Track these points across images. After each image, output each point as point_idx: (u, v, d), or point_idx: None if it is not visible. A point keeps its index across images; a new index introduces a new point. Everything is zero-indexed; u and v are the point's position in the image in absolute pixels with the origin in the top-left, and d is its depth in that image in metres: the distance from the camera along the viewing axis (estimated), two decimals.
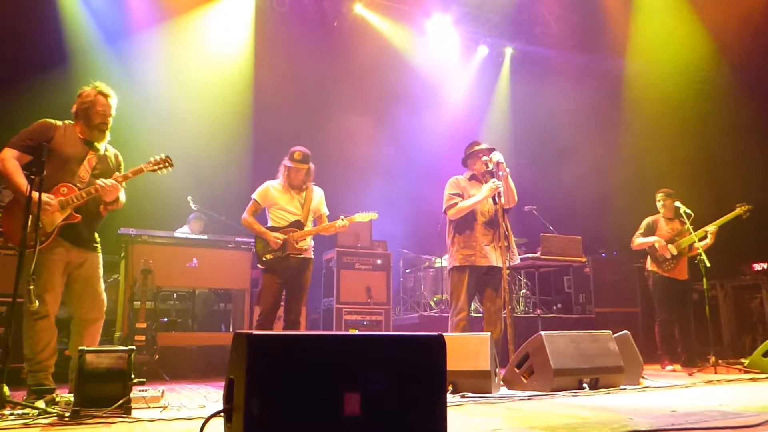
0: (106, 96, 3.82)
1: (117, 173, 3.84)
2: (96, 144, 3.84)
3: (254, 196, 5.00)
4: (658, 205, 6.72)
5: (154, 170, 3.90)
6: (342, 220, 4.93)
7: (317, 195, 5.11)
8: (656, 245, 6.48)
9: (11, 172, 3.55)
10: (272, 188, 5.00)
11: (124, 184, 3.83)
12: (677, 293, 6.52)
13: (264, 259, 4.85)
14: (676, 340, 6.49)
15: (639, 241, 6.63)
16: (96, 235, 3.92)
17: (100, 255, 3.91)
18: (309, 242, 5.00)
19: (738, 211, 6.41)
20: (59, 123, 3.79)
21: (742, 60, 8.45)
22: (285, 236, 4.82)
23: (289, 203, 4.96)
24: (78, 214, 3.69)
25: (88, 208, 3.75)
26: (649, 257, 6.67)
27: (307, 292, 5.03)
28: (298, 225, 4.91)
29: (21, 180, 3.53)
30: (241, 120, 8.36)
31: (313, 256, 5.05)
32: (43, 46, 7.17)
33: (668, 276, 6.48)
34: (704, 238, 6.33)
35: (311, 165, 5.02)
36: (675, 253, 6.43)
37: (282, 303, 5.08)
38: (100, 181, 3.69)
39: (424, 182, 8.71)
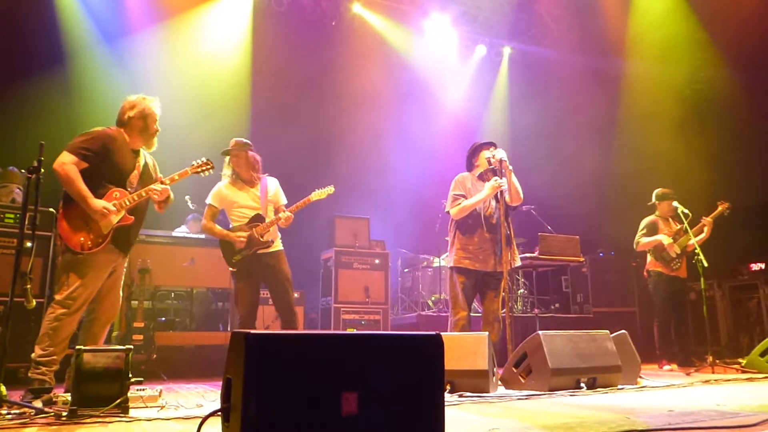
0: (157, 108, 4.01)
1: (161, 176, 4.02)
2: (142, 151, 4.00)
3: (208, 200, 4.79)
4: (657, 206, 6.68)
5: (198, 173, 4.15)
6: (284, 212, 4.72)
7: (272, 185, 4.93)
8: (664, 243, 6.46)
9: (73, 178, 3.61)
10: (224, 188, 4.81)
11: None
12: (677, 292, 6.55)
13: (234, 261, 4.66)
14: (674, 340, 6.51)
15: (645, 240, 6.55)
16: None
17: (127, 258, 4.04)
18: (276, 234, 4.82)
19: (720, 209, 6.51)
20: (113, 132, 3.86)
21: (740, 60, 8.46)
22: (248, 233, 4.64)
23: (246, 199, 4.78)
24: (131, 215, 3.82)
25: (138, 210, 3.88)
26: (651, 257, 6.63)
27: (292, 283, 4.78)
28: (259, 219, 4.72)
29: (83, 187, 3.62)
30: (238, 119, 8.34)
31: (282, 248, 4.85)
32: (40, 45, 7.15)
33: (674, 275, 6.49)
34: (701, 232, 6.38)
35: (251, 153, 4.85)
36: (678, 251, 6.44)
37: (270, 303, 4.97)
38: (155, 186, 3.87)
39: (422, 182, 8.73)
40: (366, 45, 9.44)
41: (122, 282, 3.97)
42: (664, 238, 6.47)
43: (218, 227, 4.74)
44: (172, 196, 4.04)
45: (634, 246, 6.67)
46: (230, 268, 4.74)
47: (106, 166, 3.73)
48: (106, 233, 3.70)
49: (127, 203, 3.78)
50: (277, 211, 4.87)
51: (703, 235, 6.38)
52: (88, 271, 3.66)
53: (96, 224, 3.67)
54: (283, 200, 4.95)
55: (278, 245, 4.82)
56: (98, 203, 3.65)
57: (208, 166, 4.17)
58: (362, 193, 8.55)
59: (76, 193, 3.61)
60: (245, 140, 4.91)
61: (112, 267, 3.83)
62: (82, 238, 3.63)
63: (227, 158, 4.88)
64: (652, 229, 6.59)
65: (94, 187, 3.68)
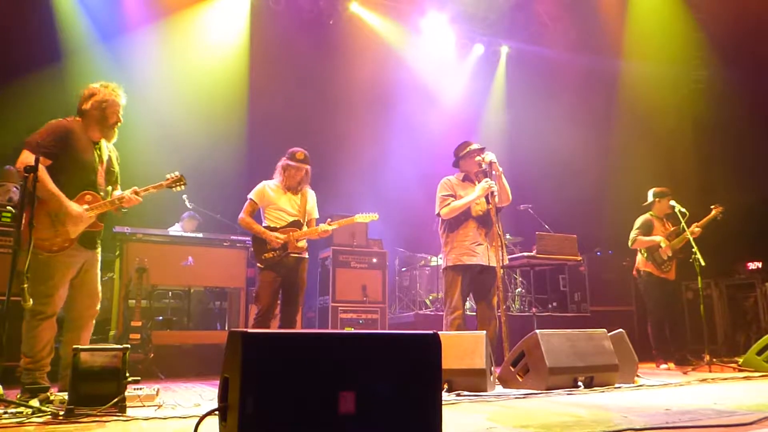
0: (119, 96, 3.88)
1: (136, 187, 3.90)
2: (104, 142, 3.89)
3: (251, 196, 4.95)
4: (655, 204, 6.64)
5: (171, 187, 4.05)
6: (328, 224, 4.92)
7: (312, 198, 5.11)
8: (662, 244, 6.41)
9: (46, 181, 3.52)
10: (269, 188, 4.96)
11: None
12: (669, 293, 6.55)
13: (264, 257, 4.81)
14: (669, 340, 6.50)
15: (642, 239, 6.47)
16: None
17: (98, 252, 3.95)
18: (305, 242, 5.01)
19: (713, 213, 6.52)
20: (68, 122, 3.76)
21: (736, 60, 8.47)
22: (285, 236, 4.80)
23: (287, 203, 4.94)
24: (100, 222, 3.78)
25: (105, 214, 3.83)
26: (641, 257, 6.60)
27: (304, 291, 4.99)
28: (297, 225, 4.90)
29: (54, 188, 3.56)
30: (236, 118, 8.34)
31: (308, 257, 5.05)
32: (37, 43, 7.14)
33: (663, 277, 6.47)
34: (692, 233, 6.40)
35: (309, 167, 5.01)
36: (670, 254, 6.43)
37: (278, 302, 5.08)
38: (127, 194, 3.80)
39: (420, 180, 8.72)
40: (363, 44, 9.43)
41: (98, 275, 3.89)
42: (663, 240, 6.45)
43: (257, 224, 4.89)
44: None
45: (629, 244, 6.60)
46: (258, 264, 4.86)
47: (67, 160, 3.63)
48: (74, 238, 3.64)
49: (99, 209, 3.72)
50: (308, 223, 5.03)
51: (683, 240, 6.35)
52: (54, 273, 3.60)
53: (64, 227, 3.59)
54: (316, 214, 5.13)
55: (305, 253, 5.01)
56: (76, 208, 3.60)
57: (181, 182, 4.07)
58: (360, 192, 8.54)
59: (48, 194, 3.52)
60: (307, 152, 4.99)
61: (80, 265, 3.76)
62: (47, 240, 3.55)
63: (283, 160, 4.95)
64: (647, 229, 6.54)
65: (61, 185, 3.59)
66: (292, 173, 4.93)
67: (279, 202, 4.93)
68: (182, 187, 4.09)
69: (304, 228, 4.94)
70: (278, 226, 4.88)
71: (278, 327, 4.99)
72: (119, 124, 3.88)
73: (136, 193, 3.86)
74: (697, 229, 6.39)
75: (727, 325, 7.86)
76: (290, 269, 4.87)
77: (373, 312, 7.29)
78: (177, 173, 4.06)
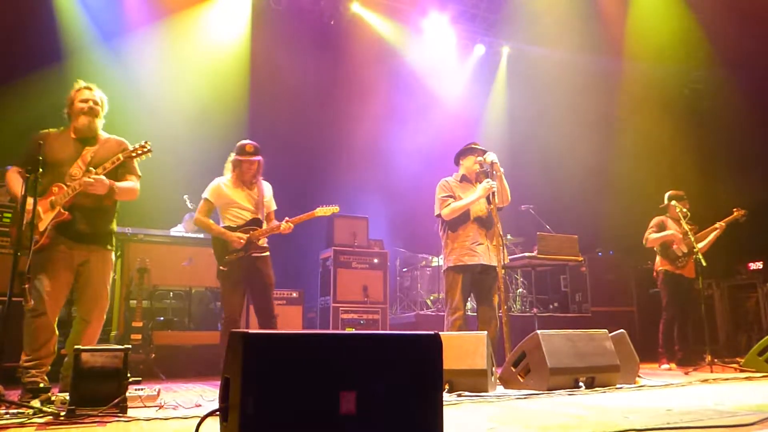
0: (88, 88, 3.96)
1: (92, 169, 3.76)
2: (92, 137, 3.88)
3: (205, 195, 4.73)
4: (669, 207, 6.63)
5: (132, 157, 3.88)
6: (286, 222, 4.70)
7: (267, 191, 4.91)
8: (674, 238, 6.47)
9: (11, 184, 3.76)
10: (224, 185, 4.75)
11: (138, 172, 4.00)
12: (685, 290, 6.57)
13: (226, 259, 4.62)
14: (675, 339, 6.51)
15: (655, 236, 6.55)
16: (107, 229, 3.91)
17: (108, 253, 3.90)
18: (265, 240, 4.82)
19: (735, 215, 6.58)
20: (53, 130, 3.91)
21: (737, 59, 8.47)
22: (247, 235, 4.61)
23: (244, 200, 4.74)
24: (69, 211, 3.70)
25: (82, 204, 3.74)
26: (659, 257, 6.65)
27: (274, 288, 4.77)
28: (257, 223, 4.71)
29: (15, 189, 3.70)
30: (237, 118, 8.34)
31: (269, 254, 4.83)
32: (38, 44, 7.14)
33: (680, 273, 6.51)
34: (711, 233, 6.50)
35: (261, 158, 4.80)
36: (685, 250, 6.47)
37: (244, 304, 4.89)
38: (86, 179, 3.68)
39: (421, 181, 8.72)
40: (365, 44, 9.44)
41: (104, 278, 3.85)
42: (674, 234, 6.49)
43: (215, 225, 4.69)
44: (126, 186, 3.88)
45: (644, 242, 6.67)
46: (221, 267, 4.66)
47: (44, 162, 3.63)
48: (42, 230, 3.63)
49: (62, 198, 3.67)
50: (268, 217, 4.86)
51: (710, 238, 6.49)
52: (42, 269, 3.62)
53: (36, 222, 3.59)
54: (274, 206, 4.96)
55: (267, 250, 4.83)
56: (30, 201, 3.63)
57: (145, 149, 3.86)
58: (361, 192, 8.54)
59: (13, 195, 3.71)
60: (256, 144, 4.84)
61: (76, 261, 3.74)
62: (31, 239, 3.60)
63: (233, 156, 4.79)
64: (661, 228, 6.62)
65: (41, 184, 3.62)
66: (245, 167, 4.72)
67: (236, 199, 4.72)
68: (148, 155, 3.88)
69: (264, 225, 4.75)
70: (237, 225, 4.68)
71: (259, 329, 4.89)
72: (92, 111, 3.89)
73: (98, 173, 3.72)
74: (721, 223, 6.51)
75: (729, 325, 7.86)
76: (251, 270, 4.66)
77: (374, 312, 7.30)
78: (142, 142, 3.89)
